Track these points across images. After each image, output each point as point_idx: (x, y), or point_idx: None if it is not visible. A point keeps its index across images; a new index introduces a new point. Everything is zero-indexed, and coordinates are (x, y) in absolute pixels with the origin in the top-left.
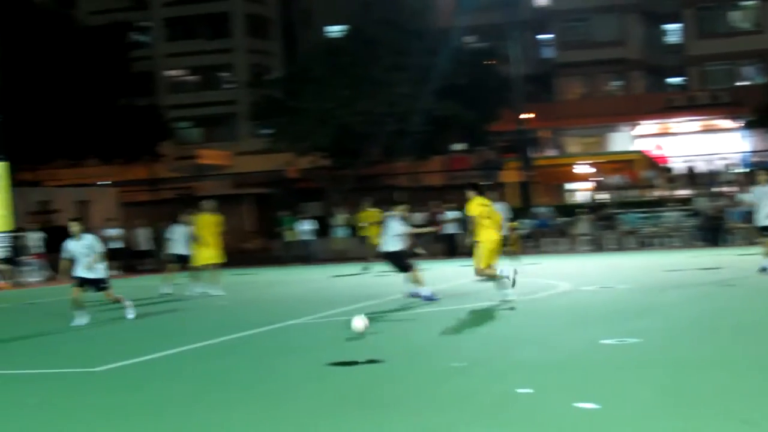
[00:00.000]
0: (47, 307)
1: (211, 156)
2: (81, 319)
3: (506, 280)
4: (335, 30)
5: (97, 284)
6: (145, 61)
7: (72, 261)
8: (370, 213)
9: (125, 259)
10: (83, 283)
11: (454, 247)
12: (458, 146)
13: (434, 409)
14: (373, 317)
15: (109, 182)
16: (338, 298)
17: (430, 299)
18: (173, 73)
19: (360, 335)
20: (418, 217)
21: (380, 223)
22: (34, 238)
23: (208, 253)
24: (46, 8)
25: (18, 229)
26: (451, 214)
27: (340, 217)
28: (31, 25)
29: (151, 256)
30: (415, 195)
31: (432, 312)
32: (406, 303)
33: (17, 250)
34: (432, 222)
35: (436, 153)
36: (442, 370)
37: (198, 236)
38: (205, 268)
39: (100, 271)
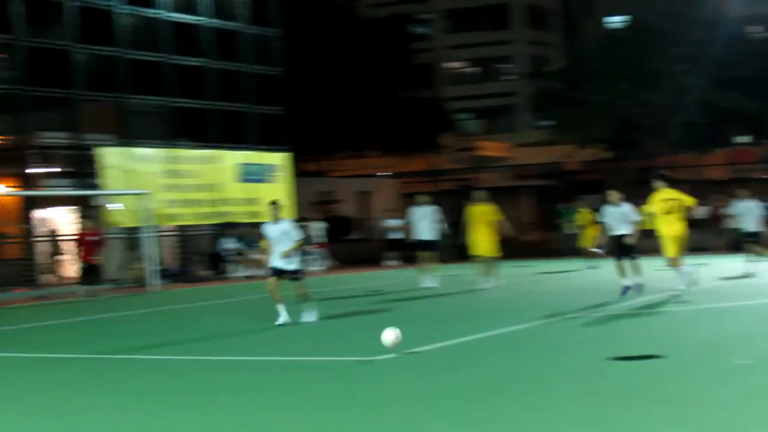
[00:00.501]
0: (323, 296)
1: (490, 147)
2: (282, 316)
3: (690, 274)
4: (616, 20)
5: (292, 275)
6: (425, 53)
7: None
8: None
9: (405, 250)
10: (277, 273)
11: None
12: (743, 138)
13: (721, 406)
14: (653, 311)
15: (390, 173)
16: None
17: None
18: (453, 64)
19: (392, 349)
20: (701, 211)
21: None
22: (317, 228)
23: (483, 245)
24: (332, 1)
25: (301, 219)
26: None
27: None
28: (316, 18)
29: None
30: (696, 188)
31: (714, 308)
32: (687, 297)
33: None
34: (715, 216)
35: (719, 145)
36: (728, 367)
37: (470, 227)
38: (482, 259)
39: (295, 261)
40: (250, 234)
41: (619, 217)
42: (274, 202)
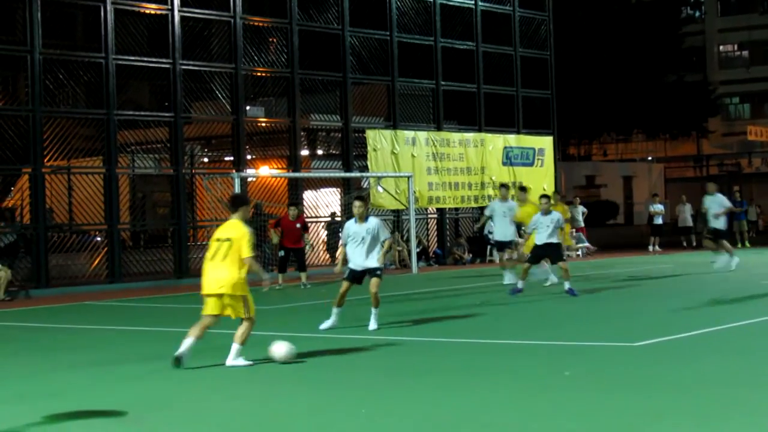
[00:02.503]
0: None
1: (760, 132)
2: None
3: None
4: None
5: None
6: (695, 36)
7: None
8: None
9: (668, 235)
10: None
11: None
12: None
13: None
14: None
15: (653, 158)
16: None
17: None
18: (724, 48)
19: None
20: None
21: None
22: (578, 212)
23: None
24: None
25: (566, 203)
26: None
27: None
28: (586, 1)
29: (694, 232)
30: None
31: None
32: None
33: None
34: None
35: None
36: None
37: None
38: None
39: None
40: None
41: None
42: (546, 196)
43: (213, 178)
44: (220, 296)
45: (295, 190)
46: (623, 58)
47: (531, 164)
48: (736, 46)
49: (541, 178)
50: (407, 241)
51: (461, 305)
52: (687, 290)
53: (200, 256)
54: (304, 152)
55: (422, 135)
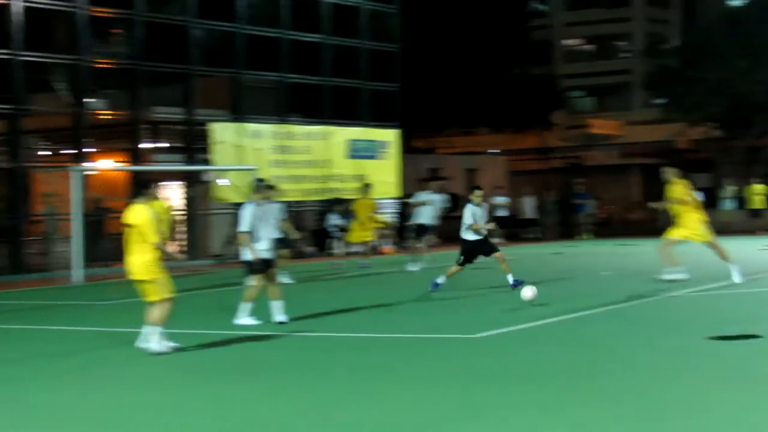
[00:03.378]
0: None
1: (602, 125)
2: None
3: None
4: None
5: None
6: (542, 30)
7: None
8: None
9: (510, 227)
10: None
11: None
12: None
13: None
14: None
15: (499, 150)
16: (720, 272)
17: None
18: (570, 42)
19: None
20: None
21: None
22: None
23: None
24: None
25: (407, 196)
26: None
27: (728, 189)
28: None
29: (536, 224)
30: None
31: None
32: None
33: (405, 216)
34: None
35: None
36: None
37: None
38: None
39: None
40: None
41: None
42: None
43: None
44: (138, 281)
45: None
46: (469, 51)
47: (376, 157)
48: (581, 41)
49: (386, 171)
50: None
51: (313, 300)
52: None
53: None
54: (147, 145)
55: (267, 128)
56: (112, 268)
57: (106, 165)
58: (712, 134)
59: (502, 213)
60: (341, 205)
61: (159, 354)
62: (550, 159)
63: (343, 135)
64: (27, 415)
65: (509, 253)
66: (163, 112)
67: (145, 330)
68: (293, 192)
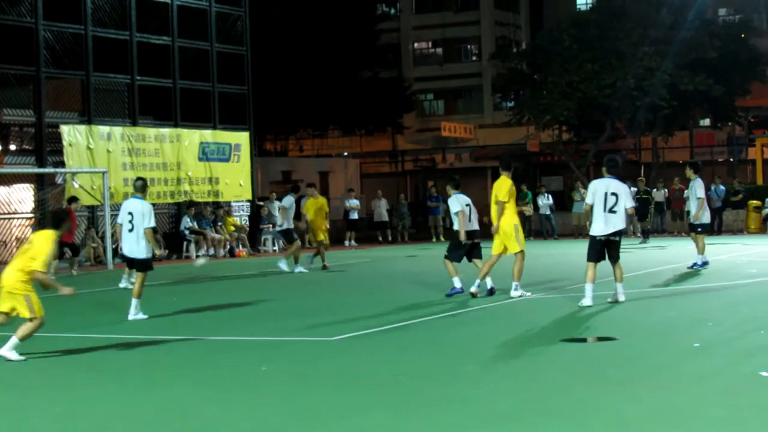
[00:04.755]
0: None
1: (453, 128)
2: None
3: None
4: (583, 2)
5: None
6: (391, 33)
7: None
8: None
9: (364, 230)
10: None
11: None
12: (704, 122)
13: (672, 388)
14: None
15: (349, 154)
16: (573, 273)
17: None
18: (419, 45)
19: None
20: (660, 194)
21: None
22: (276, 208)
23: None
24: None
25: (260, 199)
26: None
27: (580, 192)
28: None
29: (389, 227)
30: (658, 171)
31: (669, 291)
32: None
33: (257, 219)
34: (672, 199)
35: (681, 128)
36: (680, 350)
37: None
38: None
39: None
40: (210, 213)
41: None
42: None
43: None
44: (9, 293)
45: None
46: (319, 54)
47: (227, 160)
48: (430, 44)
49: (238, 173)
50: (102, 237)
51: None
52: (381, 284)
53: None
54: None
55: (117, 130)
56: None
57: None
58: (563, 137)
59: (354, 215)
60: (193, 208)
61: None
62: (402, 162)
63: (195, 137)
64: None
65: (365, 255)
66: (13, 115)
67: (12, 340)
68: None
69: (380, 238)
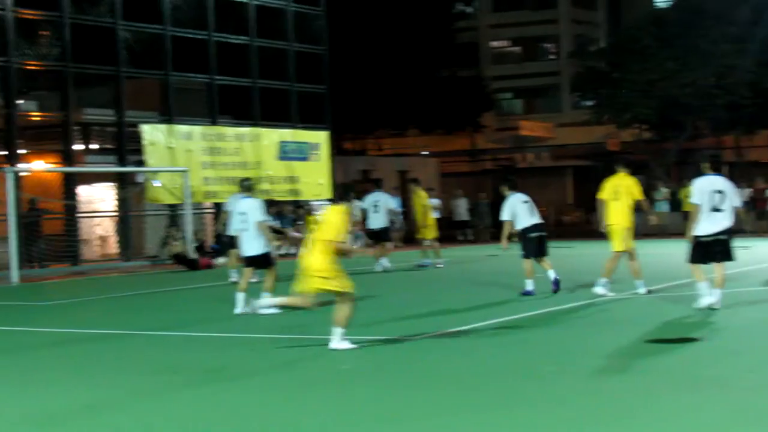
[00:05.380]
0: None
1: (532, 128)
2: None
3: None
4: (662, 0)
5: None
6: (469, 32)
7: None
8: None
9: (443, 230)
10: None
11: None
12: None
13: (757, 390)
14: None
15: (429, 152)
16: (660, 274)
17: None
18: (497, 44)
19: None
20: (744, 192)
21: None
22: (355, 207)
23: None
24: None
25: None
26: None
27: (661, 191)
28: None
29: (469, 226)
30: (741, 170)
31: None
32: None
33: None
34: (756, 199)
35: (765, 126)
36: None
37: None
38: None
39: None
40: (291, 212)
41: None
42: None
43: None
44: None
45: (70, 184)
46: (397, 53)
47: (306, 158)
48: (508, 42)
49: (317, 172)
50: (181, 236)
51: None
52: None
53: None
54: (79, 147)
55: (197, 129)
56: (48, 269)
57: (40, 166)
58: (643, 136)
59: (434, 215)
60: (273, 207)
61: None
62: (481, 161)
63: (274, 137)
64: None
65: (445, 254)
66: (94, 114)
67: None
68: (225, 193)
69: (460, 238)
